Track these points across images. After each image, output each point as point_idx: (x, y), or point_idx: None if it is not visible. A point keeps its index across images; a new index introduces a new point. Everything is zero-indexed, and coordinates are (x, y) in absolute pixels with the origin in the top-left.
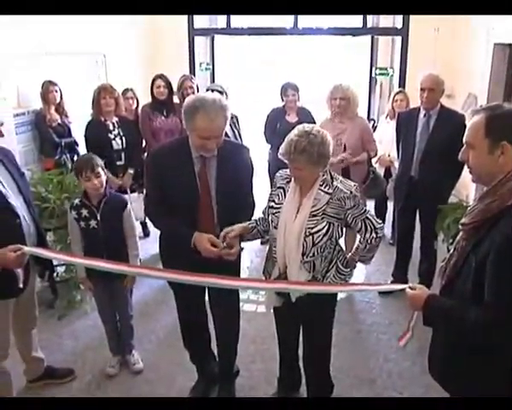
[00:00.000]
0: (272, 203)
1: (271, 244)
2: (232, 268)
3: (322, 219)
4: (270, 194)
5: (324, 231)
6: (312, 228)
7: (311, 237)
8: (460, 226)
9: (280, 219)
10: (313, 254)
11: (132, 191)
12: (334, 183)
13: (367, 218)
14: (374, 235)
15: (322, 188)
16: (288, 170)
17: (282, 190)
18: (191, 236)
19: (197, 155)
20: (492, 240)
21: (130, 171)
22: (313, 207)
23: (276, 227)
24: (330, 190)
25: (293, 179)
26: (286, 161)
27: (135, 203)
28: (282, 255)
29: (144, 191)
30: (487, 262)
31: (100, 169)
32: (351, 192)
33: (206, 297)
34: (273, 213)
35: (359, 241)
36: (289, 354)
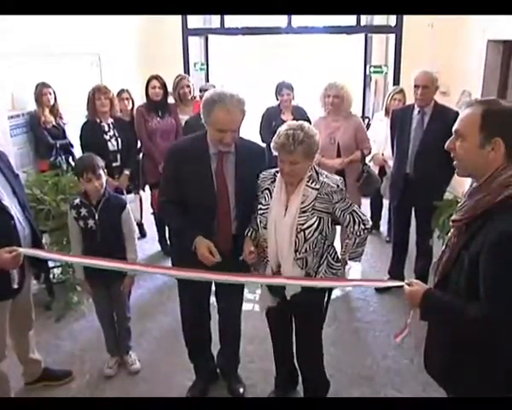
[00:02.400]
0: (260, 205)
1: (261, 246)
2: (239, 271)
3: (312, 214)
4: (257, 196)
5: (315, 226)
6: (303, 224)
7: (302, 233)
8: (451, 223)
9: (269, 219)
10: (305, 250)
11: (128, 192)
12: (321, 178)
13: (354, 211)
14: (362, 226)
15: (309, 184)
16: (272, 170)
17: (267, 192)
18: (194, 238)
19: (214, 152)
20: (485, 236)
21: (126, 172)
22: (302, 204)
23: (265, 227)
24: (317, 186)
25: (278, 178)
26: (280, 156)
27: (131, 204)
28: (275, 254)
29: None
30: (480, 258)
31: (101, 171)
32: (337, 186)
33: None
34: (261, 214)
35: (348, 237)
36: (284, 353)
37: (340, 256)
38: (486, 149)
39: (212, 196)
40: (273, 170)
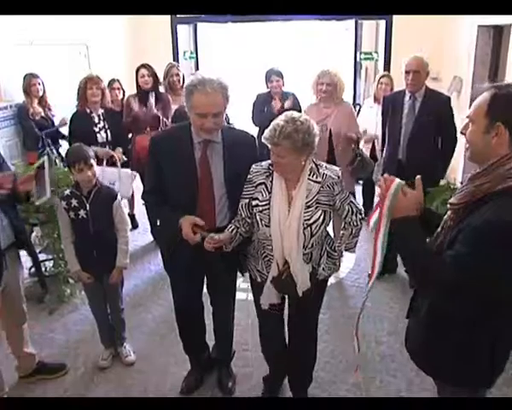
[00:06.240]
0: (256, 201)
1: (261, 243)
2: (230, 263)
3: (317, 208)
4: (247, 190)
5: (320, 220)
6: (309, 219)
7: (308, 228)
8: (448, 206)
9: (272, 216)
10: (312, 245)
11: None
12: (321, 170)
13: (351, 201)
14: (359, 216)
15: (311, 178)
16: (264, 163)
17: (263, 187)
18: (178, 220)
19: (199, 140)
20: (474, 222)
21: (120, 149)
22: (306, 198)
23: (267, 225)
24: (319, 179)
25: (276, 173)
26: (269, 147)
27: (125, 179)
28: (281, 252)
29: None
30: (463, 234)
31: (92, 160)
32: (338, 177)
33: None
34: (260, 211)
35: (344, 227)
36: (279, 349)
37: (336, 246)
38: (490, 135)
39: (193, 186)
40: (266, 163)
